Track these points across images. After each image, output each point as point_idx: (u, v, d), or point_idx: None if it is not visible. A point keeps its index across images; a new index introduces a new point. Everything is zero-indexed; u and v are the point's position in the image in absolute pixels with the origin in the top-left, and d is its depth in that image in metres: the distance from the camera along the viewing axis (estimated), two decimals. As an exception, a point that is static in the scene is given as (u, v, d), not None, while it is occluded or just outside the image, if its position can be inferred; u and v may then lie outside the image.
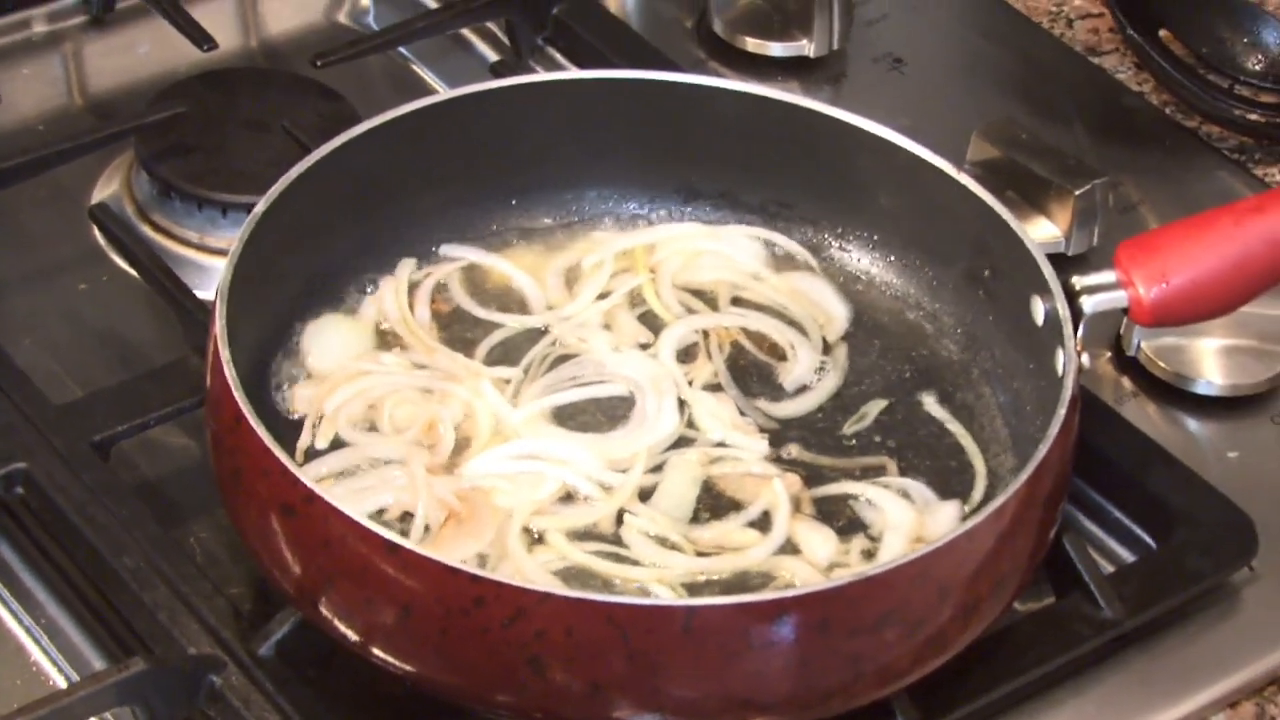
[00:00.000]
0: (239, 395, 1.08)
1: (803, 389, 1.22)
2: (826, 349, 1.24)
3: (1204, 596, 1.18)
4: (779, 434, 1.19)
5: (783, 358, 1.24)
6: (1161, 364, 1.28)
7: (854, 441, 1.20)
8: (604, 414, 1.19)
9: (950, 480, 1.18)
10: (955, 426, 1.20)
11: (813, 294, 1.27)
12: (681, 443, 1.18)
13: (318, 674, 1.10)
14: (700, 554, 1.12)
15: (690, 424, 1.19)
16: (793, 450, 1.19)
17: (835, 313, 1.26)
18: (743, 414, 1.20)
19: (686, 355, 1.23)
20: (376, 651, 1.06)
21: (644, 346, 1.23)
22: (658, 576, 1.11)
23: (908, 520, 1.14)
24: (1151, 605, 1.16)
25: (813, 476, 1.17)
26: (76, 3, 1.47)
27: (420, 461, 1.14)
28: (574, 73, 1.41)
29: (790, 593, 1.02)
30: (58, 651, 1.15)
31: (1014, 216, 1.19)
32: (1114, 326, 1.29)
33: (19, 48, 1.46)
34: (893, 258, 1.27)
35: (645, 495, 1.15)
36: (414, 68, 1.50)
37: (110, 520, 1.15)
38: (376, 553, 1.03)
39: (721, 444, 1.18)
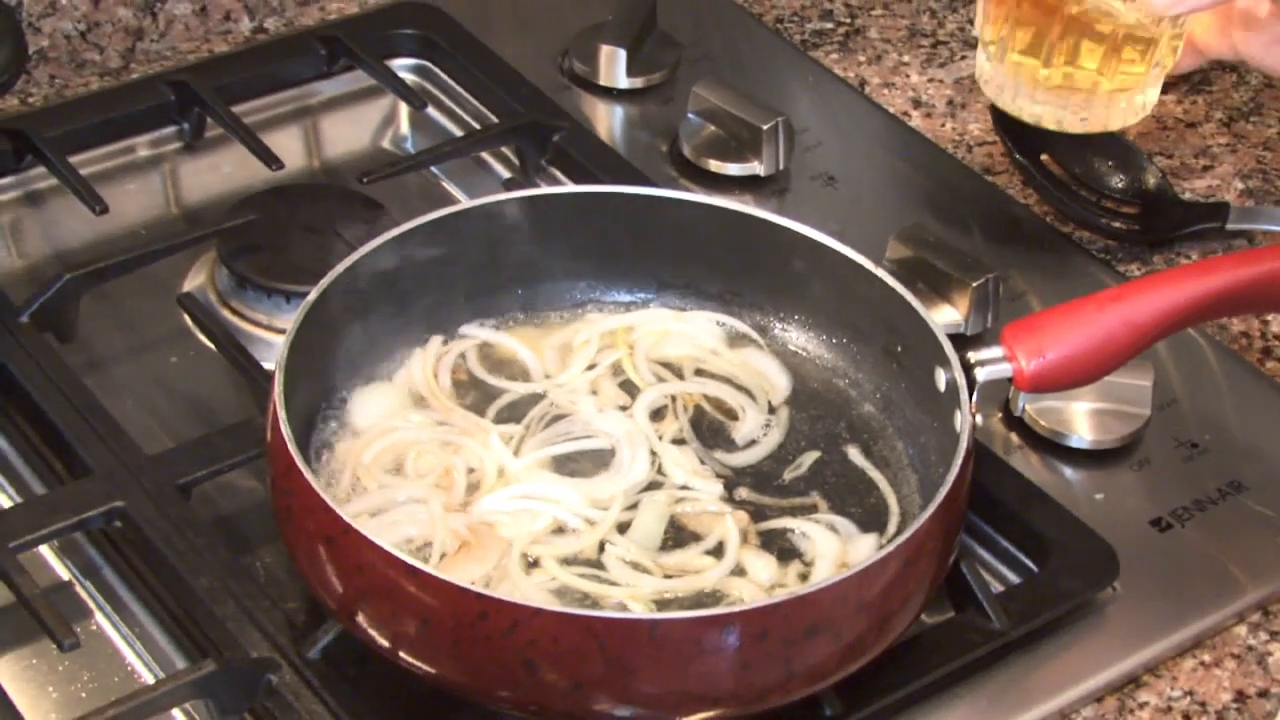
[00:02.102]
0: (292, 447, 1.06)
1: (751, 443, 1.20)
2: (771, 411, 1.22)
3: (1075, 612, 1.16)
4: (732, 479, 1.17)
5: (735, 417, 1.21)
6: (1042, 422, 1.26)
7: (792, 485, 1.17)
8: (590, 462, 1.17)
9: (869, 517, 1.16)
10: (874, 473, 1.18)
11: (760, 366, 1.25)
12: (652, 486, 1.16)
13: (356, 673, 1.08)
14: (667, 576, 1.10)
15: (659, 471, 1.17)
16: (743, 492, 1.17)
17: (778, 382, 1.24)
18: (702, 463, 1.18)
19: (657, 415, 1.21)
20: (402, 656, 1.04)
21: (623, 408, 1.21)
22: (631, 595, 1.09)
23: (835, 549, 1.12)
24: (1032, 618, 1.14)
25: (758, 513, 1.15)
26: (173, 131, 1.46)
27: (438, 501, 1.12)
28: (570, 187, 1.39)
29: (736, 608, 1.01)
30: (147, 654, 1.13)
31: (922, 304, 1.18)
32: (1003, 392, 1.27)
33: (126, 167, 1.45)
34: (824, 336, 1.25)
35: (622, 528, 1.13)
36: (442, 183, 1.48)
37: (190, 548, 1.13)
38: (401, 575, 1.01)
39: (684, 487, 1.16)
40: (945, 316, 1.30)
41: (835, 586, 1.02)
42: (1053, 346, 1.12)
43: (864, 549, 1.13)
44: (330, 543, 1.04)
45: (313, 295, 1.15)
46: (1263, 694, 1.14)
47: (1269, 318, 1.39)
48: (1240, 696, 1.14)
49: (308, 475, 1.05)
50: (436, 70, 1.52)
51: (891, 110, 1.53)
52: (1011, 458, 1.25)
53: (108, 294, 1.34)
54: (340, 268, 1.16)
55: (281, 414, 1.08)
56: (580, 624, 0.99)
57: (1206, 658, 1.16)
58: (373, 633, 1.04)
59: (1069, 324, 1.13)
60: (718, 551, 1.12)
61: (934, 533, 1.06)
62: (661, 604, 1.09)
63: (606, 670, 1.00)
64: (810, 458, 1.19)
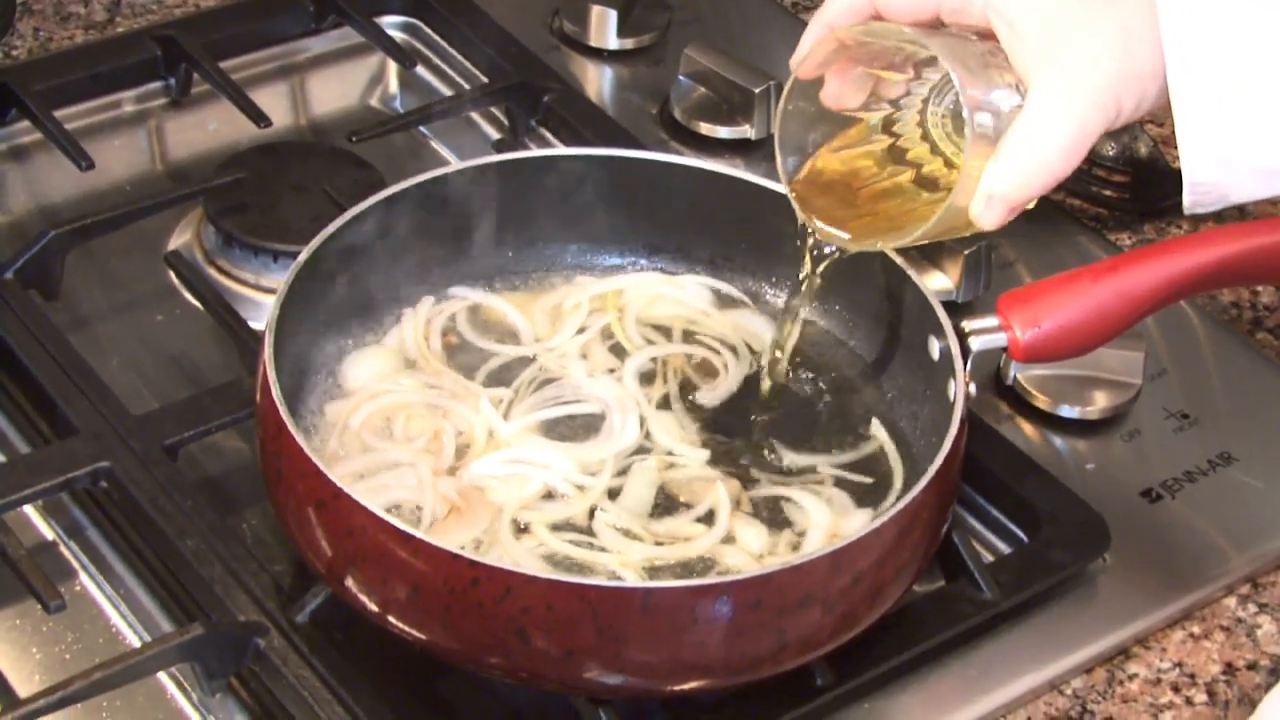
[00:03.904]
0: (282, 409, 1.05)
1: (730, 391, 1.19)
2: (758, 364, 1.21)
3: (1066, 582, 1.15)
4: (724, 445, 1.16)
5: (717, 374, 1.20)
6: (1033, 392, 1.25)
7: (784, 450, 1.16)
8: (579, 427, 1.16)
9: (862, 486, 1.14)
10: (866, 440, 1.17)
11: (751, 326, 1.24)
12: (641, 451, 1.15)
13: (344, 638, 1.07)
14: (657, 543, 1.09)
15: (647, 436, 1.16)
16: (739, 457, 1.15)
17: (768, 339, 1.22)
18: (683, 428, 1.16)
19: (647, 379, 1.19)
20: (392, 621, 1.03)
21: (612, 371, 1.20)
22: (621, 561, 1.08)
23: (827, 519, 1.11)
24: (1023, 589, 1.13)
25: (749, 481, 1.14)
26: (159, 87, 1.44)
27: (428, 465, 1.11)
28: (560, 149, 1.38)
29: (729, 578, 1.00)
30: (133, 616, 1.12)
31: (915, 271, 1.16)
32: (995, 361, 1.26)
33: (112, 123, 1.43)
34: (816, 303, 1.23)
35: (613, 494, 1.12)
36: (431, 143, 1.47)
37: (177, 510, 1.12)
38: (392, 540, 1.00)
39: (670, 453, 1.15)
40: (937, 283, 1.29)
41: (829, 556, 1.01)
42: (1048, 317, 1.11)
43: (857, 519, 1.11)
44: (321, 507, 1.03)
45: (304, 255, 1.13)
46: (1251, 666, 1.14)
47: (1259, 289, 1.38)
48: (1229, 669, 1.13)
49: (299, 438, 1.03)
50: (426, 29, 1.51)
51: (882, 75, 1.52)
52: (1002, 427, 1.24)
53: (93, 251, 1.32)
54: (331, 228, 1.15)
55: (272, 375, 1.06)
56: (573, 592, 0.98)
57: (1196, 629, 1.15)
58: (363, 598, 1.03)
59: (1064, 295, 1.12)
60: (708, 519, 1.11)
61: (928, 503, 1.05)
62: (652, 571, 1.08)
63: (598, 638, 0.99)
64: (803, 421, 1.18)
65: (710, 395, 1.19)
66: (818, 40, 1.10)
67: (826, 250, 1.13)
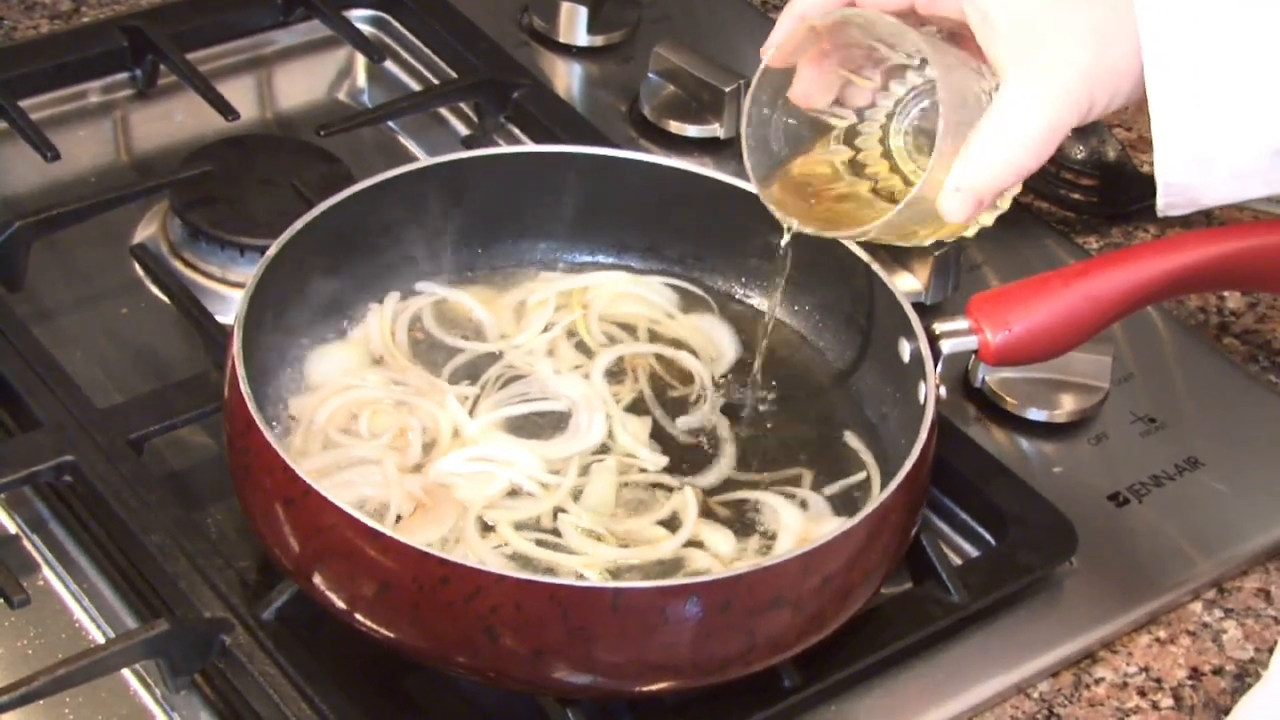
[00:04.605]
0: (251, 405, 1.04)
1: (701, 403, 1.18)
2: (721, 377, 1.20)
3: (1033, 585, 1.15)
4: (696, 445, 1.16)
5: (689, 381, 1.20)
6: (1001, 395, 1.25)
7: (760, 455, 1.16)
8: (546, 425, 1.15)
9: (834, 491, 1.14)
10: (835, 442, 1.17)
11: (711, 333, 1.23)
12: (603, 451, 1.14)
13: (311, 635, 1.06)
14: (622, 545, 1.09)
15: (610, 436, 1.15)
16: (706, 461, 1.15)
17: (726, 349, 1.22)
18: (653, 433, 1.16)
19: (615, 379, 1.19)
20: (359, 618, 1.02)
21: (577, 368, 1.19)
22: (586, 563, 1.07)
23: (798, 522, 1.11)
24: (991, 592, 1.13)
25: (717, 484, 1.14)
26: (125, 78, 1.43)
27: (393, 462, 1.11)
28: (529, 146, 1.37)
29: (700, 579, 1.00)
30: (97, 612, 1.11)
31: (885, 272, 1.16)
32: (963, 364, 1.26)
33: (77, 114, 1.42)
34: (787, 303, 1.23)
35: (576, 495, 1.11)
36: (400, 138, 1.46)
37: (141, 504, 1.11)
38: (362, 538, 0.99)
39: (631, 455, 1.14)
40: (905, 285, 1.29)
41: (800, 558, 1.00)
42: (1019, 320, 1.11)
43: (828, 525, 1.11)
44: (289, 503, 1.02)
45: (273, 250, 1.12)
46: (1217, 671, 1.14)
47: (1225, 295, 1.38)
48: (1195, 673, 1.13)
49: (267, 434, 1.02)
50: (394, 23, 1.50)
51: (851, 75, 1.52)
52: (970, 430, 1.24)
53: (57, 243, 1.31)
54: (301, 223, 1.14)
55: (240, 370, 1.05)
56: (543, 591, 0.98)
57: (1162, 634, 1.15)
58: (330, 595, 1.02)
59: (1035, 298, 1.12)
60: (669, 522, 1.10)
61: (898, 505, 1.05)
62: (617, 573, 1.07)
63: (568, 638, 0.98)
64: (773, 424, 1.17)
65: (692, 419, 1.18)
66: (790, 31, 1.10)
67: (793, 229, 1.13)
